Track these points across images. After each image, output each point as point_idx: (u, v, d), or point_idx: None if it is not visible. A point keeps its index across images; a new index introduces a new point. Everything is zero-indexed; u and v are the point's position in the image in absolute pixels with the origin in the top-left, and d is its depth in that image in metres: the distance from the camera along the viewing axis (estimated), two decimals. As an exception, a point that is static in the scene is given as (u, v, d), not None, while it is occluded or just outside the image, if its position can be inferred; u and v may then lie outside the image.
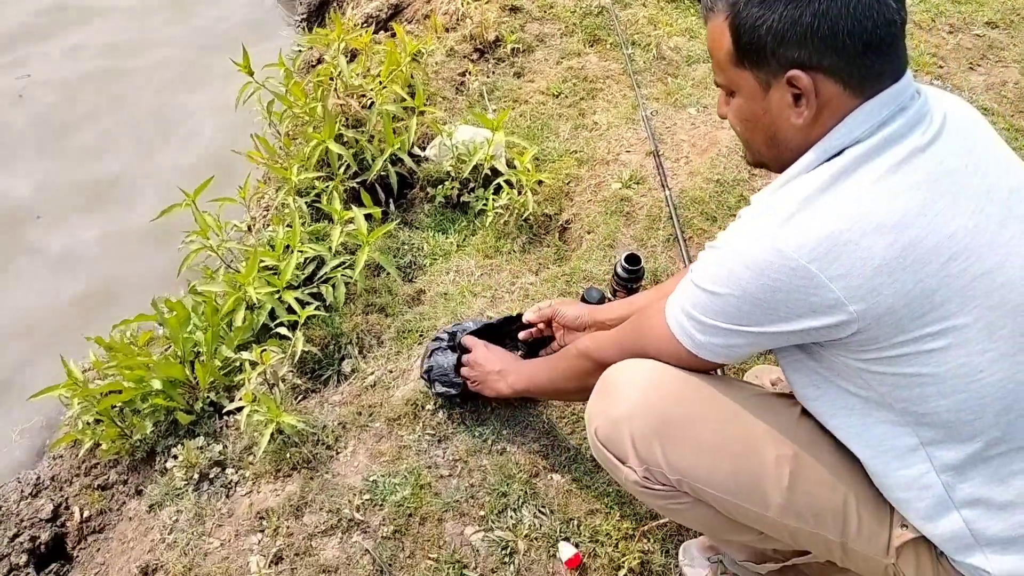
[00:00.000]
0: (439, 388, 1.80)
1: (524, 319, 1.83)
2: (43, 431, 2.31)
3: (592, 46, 3.10)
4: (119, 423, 1.95)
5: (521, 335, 1.86)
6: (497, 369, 1.70)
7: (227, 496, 1.79)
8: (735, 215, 2.32)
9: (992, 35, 3.21)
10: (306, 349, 1.95)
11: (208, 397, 1.99)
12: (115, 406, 1.94)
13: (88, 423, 1.99)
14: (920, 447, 1.06)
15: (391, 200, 2.55)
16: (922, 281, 0.96)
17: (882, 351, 1.02)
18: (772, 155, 1.13)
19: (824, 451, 1.19)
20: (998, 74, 2.97)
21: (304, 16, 4.00)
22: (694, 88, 2.86)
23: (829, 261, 0.96)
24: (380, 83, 2.52)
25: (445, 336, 1.85)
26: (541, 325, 1.83)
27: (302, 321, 1.94)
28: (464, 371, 1.76)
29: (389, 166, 2.46)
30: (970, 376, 1.00)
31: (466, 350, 1.80)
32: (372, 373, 2.01)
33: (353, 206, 2.43)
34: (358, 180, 2.48)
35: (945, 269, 0.97)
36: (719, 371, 1.84)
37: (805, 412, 1.25)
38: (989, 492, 1.05)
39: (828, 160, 1.03)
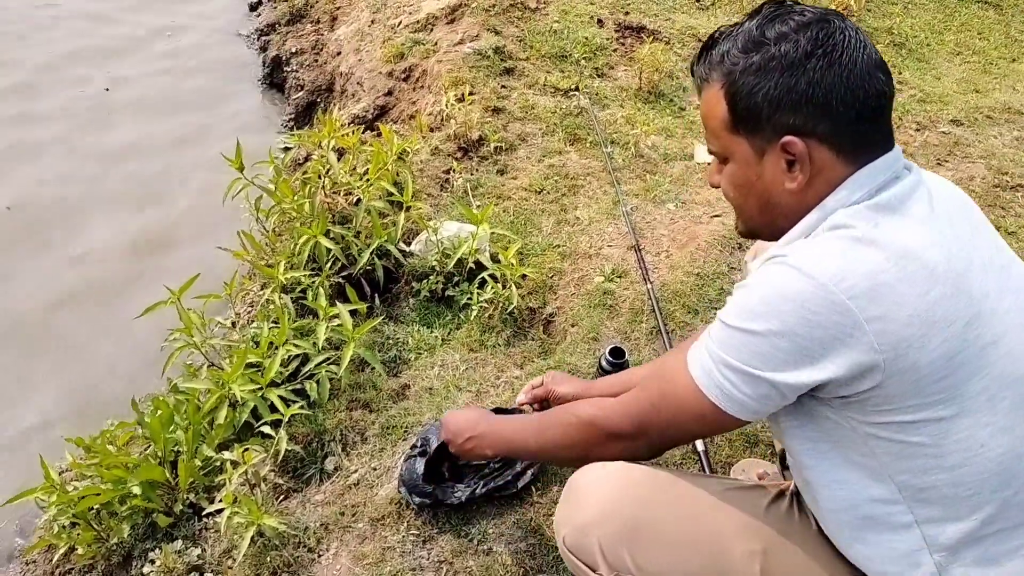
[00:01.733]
0: (411, 498, 1.78)
1: (516, 402, 1.79)
2: (15, 535, 2.25)
3: (572, 144, 3.20)
4: (96, 526, 1.90)
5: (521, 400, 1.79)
6: (471, 435, 1.53)
7: (205, 603, 1.74)
8: (716, 307, 2.37)
9: (957, 132, 3.35)
10: (289, 448, 1.92)
11: (188, 498, 1.95)
12: (92, 508, 1.90)
13: (64, 526, 1.94)
14: (915, 525, 1.06)
15: (376, 294, 2.57)
16: (947, 341, 0.96)
17: (895, 414, 1.01)
18: (765, 221, 1.13)
19: (794, 540, 1.19)
20: (965, 169, 3.09)
21: (292, 116, 4.11)
22: (672, 184, 2.95)
23: (867, 300, 0.95)
24: (367, 180, 2.58)
25: (419, 442, 1.84)
26: (531, 408, 1.78)
27: (285, 420, 1.92)
28: (451, 448, 1.61)
29: (376, 259, 2.49)
30: (972, 450, 1.01)
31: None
32: (355, 471, 1.99)
33: (338, 302, 2.45)
34: (343, 275, 2.50)
35: (964, 333, 0.97)
36: (701, 461, 1.84)
37: (774, 502, 1.26)
38: (981, 572, 1.04)
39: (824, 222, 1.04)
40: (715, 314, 2.32)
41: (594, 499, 1.22)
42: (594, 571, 1.23)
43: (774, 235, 1.14)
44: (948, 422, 1.00)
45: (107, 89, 4.35)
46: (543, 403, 1.77)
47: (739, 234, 1.24)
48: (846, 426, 1.06)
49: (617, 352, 2.03)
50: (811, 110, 1.01)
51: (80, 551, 1.87)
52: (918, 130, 3.38)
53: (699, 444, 1.95)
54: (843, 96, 1.01)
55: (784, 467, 1.60)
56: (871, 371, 0.97)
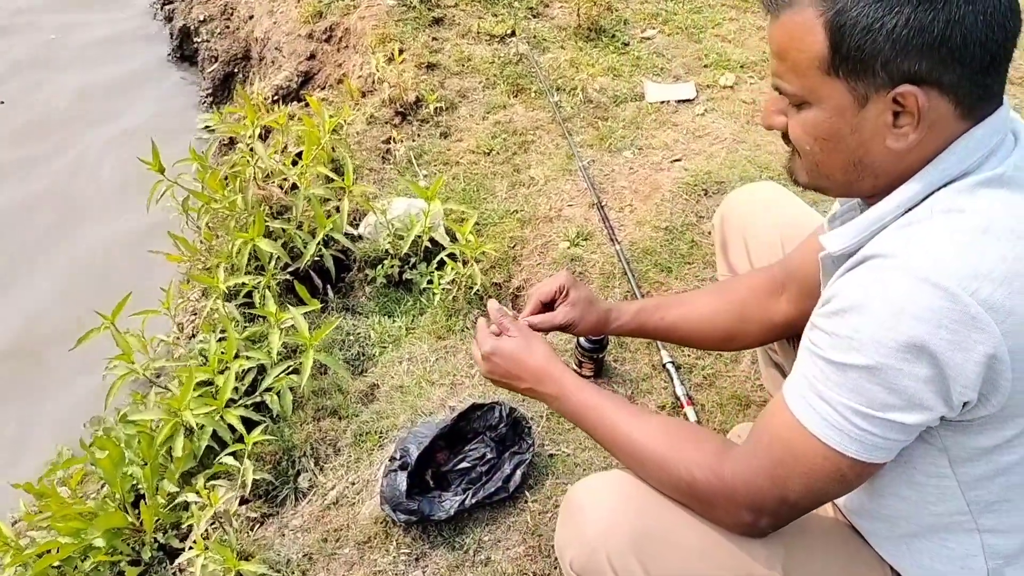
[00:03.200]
0: (396, 516, 1.66)
1: (523, 320, 1.32)
2: (-29, 595, 2.08)
3: (516, 96, 3.01)
4: (59, 583, 1.75)
5: (534, 320, 1.33)
6: (527, 387, 1.22)
7: (189, 657, 1.61)
8: (689, 262, 2.26)
9: None
10: (257, 477, 1.78)
11: (156, 540, 1.80)
12: (53, 565, 1.74)
13: (24, 585, 1.78)
14: (976, 532, 0.97)
15: (329, 286, 2.40)
16: None
17: (999, 432, 0.88)
18: (846, 180, 0.94)
19: (815, 539, 1.10)
20: None
21: (209, 91, 3.83)
22: (626, 129, 2.80)
23: (1004, 313, 0.79)
24: (303, 166, 2.38)
25: (398, 454, 1.71)
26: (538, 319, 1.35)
27: (248, 449, 1.77)
28: (481, 368, 1.30)
29: (323, 250, 2.31)
30: None
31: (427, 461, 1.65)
32: (332, 487, 1.85)
33: (289, 301, 2.28)
34: (290, 271, 2.32)
35: None
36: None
37: None
38: None
39: (930, 196, 0.87)
40: (688, 270, 2.23)
41: (596, 513, 1.09)
42: None
43: (850, 195, 0.99)
44: None
45: (1, 102, 3.96)
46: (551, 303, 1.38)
47: (794, 182, 1.02)
48: (933, 446, 0.93)
49: (595, 328, 1.90)
50: (943, 55, 0.81)
51: (45, 616, 1.72)
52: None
53: (691, 415, 1.87)
54: (983, 38, 0.81)
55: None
56: (996, 393, 0.83)
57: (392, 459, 1.74)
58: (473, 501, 1.67)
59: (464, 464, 1.76)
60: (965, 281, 0.79)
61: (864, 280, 0.85)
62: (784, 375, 1.52)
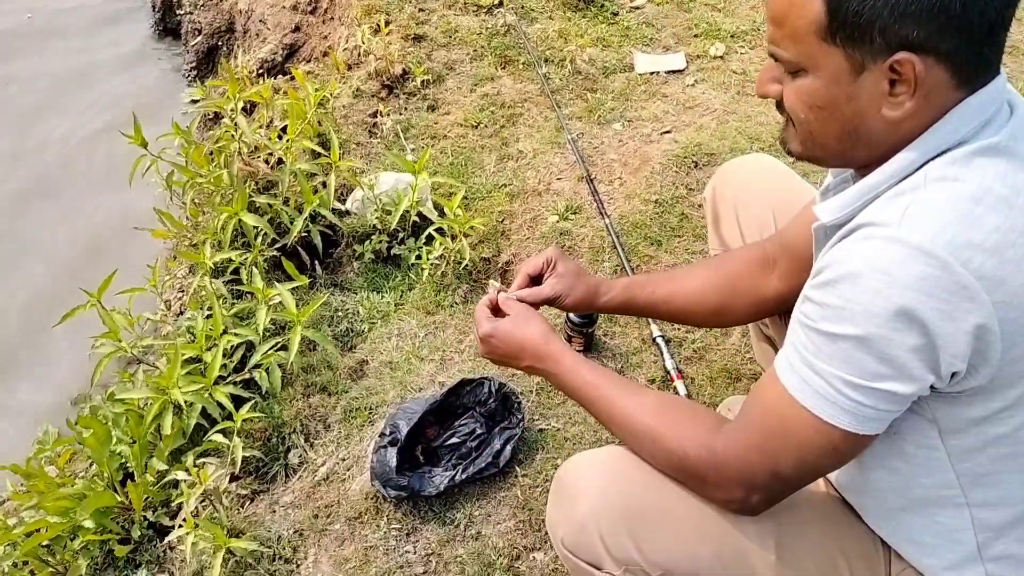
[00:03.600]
0: (386, 492, 1.66)
1: (512, 294, 1.30)
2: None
3: (504, 68, 2.97)
4: (50, 562, 1.74)
5: (521, 294, 1.30)
6: (526, 364, 1.22)
7: (181, 634, 1.62)
8: (679, 235, 2.25)
9: None
10: (247, 454, 1.77)
11: (145, 518, 1.80)
12: (43, 544, 1.74)
13: (16, 564, 1.78)
14: (966, 507, 0.97)
15: (317, 262, 2.38)
16: None
17: (987, 403, 0.88)
18: (841, 150, 0.93)
19: (807, 514, 1.10)
20: None
21: (193, 64, 3.77)
22: (615, 101, 2.77)
23: (996, 283, 0.79)
24: (288, 140, 2.35)
25: (388, 430, 1.71)
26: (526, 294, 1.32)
27: (237, 427, 1.76)
28: (480, 348, 1.29)
29: (310, 225, 2.29)
30: None
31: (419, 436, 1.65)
32: (323, 464, 1.85)
33: (276, 277, 2.26)
34: (277, 247, 2.30)
35: None
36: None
37: None
38: (1022, 549, 0.97)
39: (922, 166, 0.86)
40: (678, 243, 2.22)
41: (586, 490, 1.08)
42: (600, 568, 1.12)
43: (844, 165, 0.97)
44: None
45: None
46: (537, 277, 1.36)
47: (788, 154, 1.00)
48: (923, 417, 0.92)
49: (584, 302, 1.89)
50: (943, 22, 0.79)
51: (35, 594, 1.72)
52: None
53: (681, 389, 1.87)
54: (981, 6, 0.79)
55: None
56: (986, 364, 0.83)
57: (382, 435, 1.74)
58: (463, 476, 1.67)
59: (454, 440, 1.76)
60: (957, 250, 0.78)
61: (856, 249, 0.84)
62: (776, 349, 1.51)
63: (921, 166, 0.86)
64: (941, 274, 0.78)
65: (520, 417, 1.77)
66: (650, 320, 1.99)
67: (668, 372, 1.90)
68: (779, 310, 1.35)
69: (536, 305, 1.33)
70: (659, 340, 1.96)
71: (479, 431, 1.76)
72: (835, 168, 1.04)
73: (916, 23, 0.80)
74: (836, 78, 0.87)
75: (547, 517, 1.17)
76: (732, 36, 3.10)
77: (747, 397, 1.02)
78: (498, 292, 1.29)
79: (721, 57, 2.97)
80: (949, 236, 0.79)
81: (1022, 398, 0.87)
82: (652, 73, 2.89)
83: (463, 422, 1.78)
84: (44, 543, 1.73)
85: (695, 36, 3.11)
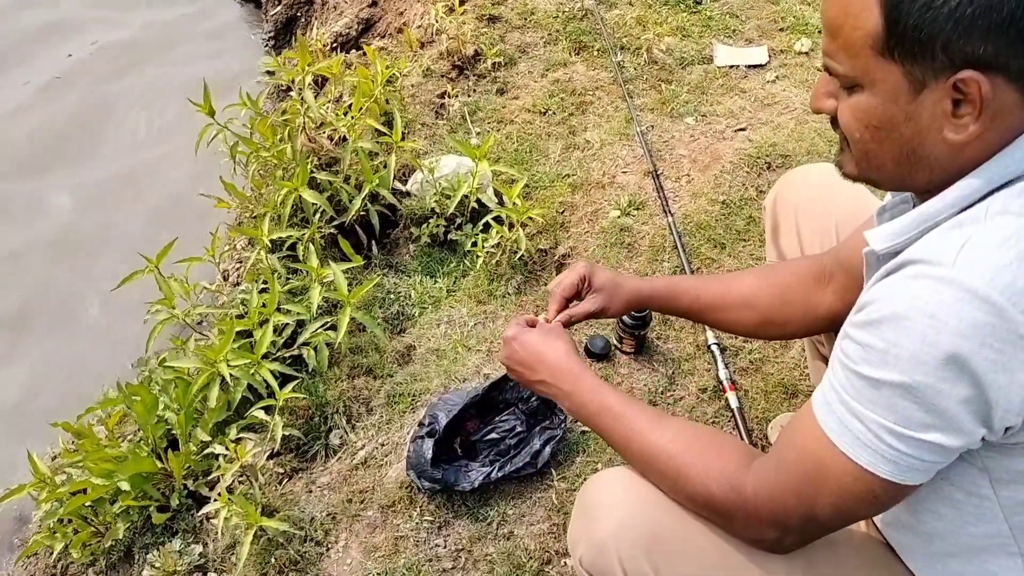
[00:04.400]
0: (420, 483, 1.64)
1: (547, 317, 1.27)
2: (15, 523, 2.15)
3: (578, 54, 2.90)
4: (91, 521, 1.78)
5: (563, 317, 1.27)
6: (540, 379, 1.17)
7: (210, 605, 1.63)
8: (745, 239, 2.16)
9: None
10: (287, 434, 1.77)
11: (185, 487, 1.82)
12: (86, 504, 1.78)
13: (60, 521, 1.82)
14: (1019, 556, 0.89)
15: (373, 241, 2.36)
16: None
17: None
18: (898, 173, 0.85)
19: (842, 554, 1.03)
20: None
21: (271, 34, 3.80)
22: (690, 94, 2.67)
23: None
24: (352, 117, 2.33)
25: (427, 420, 1.68)
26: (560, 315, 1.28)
27: (280, 405, 1.76)
28: (503, 352, 1.25)
29: (369, 205, 2.28)
30: None
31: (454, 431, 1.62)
32: (362, 447, 1.84)
33: (332, 255, 2.26)
34: (335, 224, 2.29)
35: None
36: (735, 418, 1.66)
37: None
38: None
39: (988, 195, 0.78)
40: (743, 248, 2.13)
41: (610, 511, 1.04)
42: None
43: (902, 189, 0.89)
44: None
45: (69, 55, 3.97)
46: (574, 295, 1.31)
47: (843, 176, 0.93)
48: (973, 466, 0.85)
49: (639, 304, 1.83)
50: (1013, 38, 0.72)
51: (75, 554, 1.76)
52: None
53: (733, 401, 1.79)
54: None
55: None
56: None
57: (420, 425, 1.71)
58: (499, 475, 1.63)
59: (493, 435, 1.73)
60: (1016, 295, 0.71)
61: (904, 288, 0.77)
62: None
63: (985, 196, 0.78)
64: (996, 321, 0.71)
65: (562, 418, 1.72)
66: (707, 327, 1.92)
67: (721, 382, 1.82)
68: (832, 328, 1.27)
69: (582, 321, 1.29)
70: (714, 348, 1.88)
71: (519, 429, 1.72)
72: (893, 191, 0.96)
73: (984, 38, 0.72)
74: (894, 96, 0.79)
75: (569, 532, 1.13)
76: (820, 31, 2.95)
77: (782, 433, 0.95)
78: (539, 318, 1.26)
79: (806, 53, 2.84)
80: (1008, 279, 0.71)
81: None
82: (731, 67, 2.78)
83: (504, 418, 1.75)
84: (87, 504, 1.77)
85: (780, 30, 2.97)
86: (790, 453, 0.89)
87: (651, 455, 1.02)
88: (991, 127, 0.76)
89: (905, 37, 0.75)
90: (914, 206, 0.88)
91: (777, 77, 2.74)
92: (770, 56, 2.83)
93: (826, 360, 1.48)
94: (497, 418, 1.76)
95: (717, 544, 1.00)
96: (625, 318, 1.84)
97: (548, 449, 1.67)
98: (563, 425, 1.71)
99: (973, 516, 0.88)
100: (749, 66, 2.79)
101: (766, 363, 1.90)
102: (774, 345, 1.93)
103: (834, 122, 0.88)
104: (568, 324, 1.26)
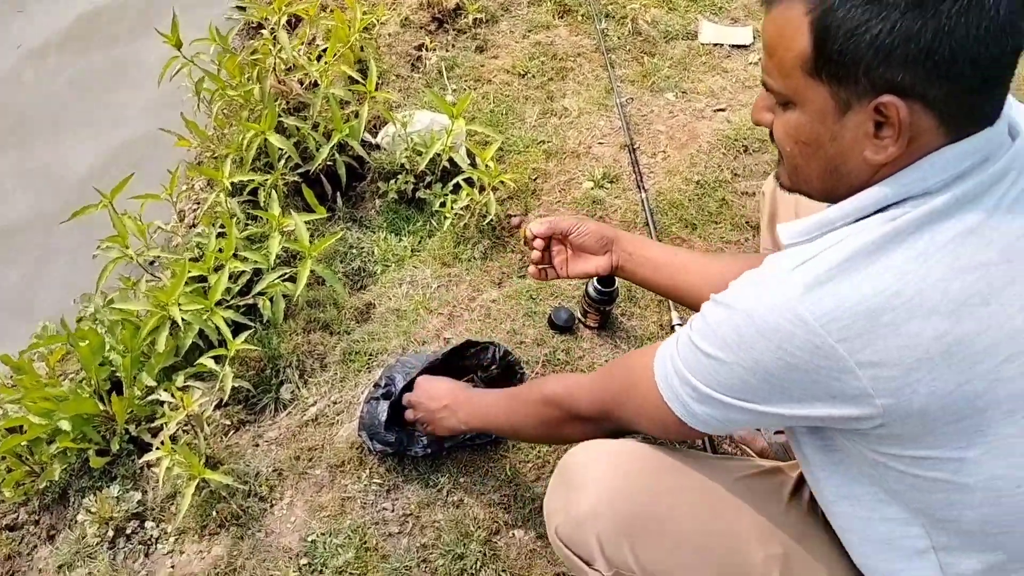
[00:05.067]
0: (372, 444, 1.61)
1: (530, 229, 1.44)
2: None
3: (562, 17, 2.83)
4: (27, 460, 1.72)
5: (530, 231, 1.43)
6: (444, 404, 1.46)
7: (146, 555, 1.59)
8: (717, 222, 2.14)
9: None
10: (237, 385, 1.72)
11: (127, 431, 1.76)
12: (22, 444, 1.71)
13: (-9, 457, 1.76)
14: (931, 551, 0.91)
15: (338, 193, 2.29)
16: (968, 383, 0.79)
17: (905, 449, 0.85)
18: (824, 187, 0.91)
19: (815, 546, 1.05)
20: None
21: (246, -32, 3.63)
22: (672, 69, 2.63)
23: (862, 344, 0.78)
24: (326, 62, 2.25)
25: (383, 381, 1.64)
26: (539, 246, 1.44)
27: (230, 355, 1.70)
28: (408, 414, 1.56)
29: (337, 155, 2.20)
30: (1005, 490, 0.84)
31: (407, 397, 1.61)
32: (313, 404, 1.80)
33: (295, 203, 2.19)
34: (299, 172, 2.22)
35: (997, 371, 0.79)
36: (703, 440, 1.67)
37: (794, 495, 1.11)
38: None
39: (883, 210, 0.84)
40: (714, 230, 2.11)
41: (592, 487, 1.06)
42: (590, 565, 1.08)
43: (828, 200, 0.92)
44: (974, 462, 0.83)
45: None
46: (547, 245, 1.46)
47: (780, 186, 1.00)
48: (854, 450, 0.90)
49: (606, 279, 1.81)
50: (929, 68, 0.76)
51: (8, 492, 1.69)
52: None
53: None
54: (975, 54, 0.75)
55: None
56: (867, 417, 0.82)
57: (376, 386, 1.67)
58: (451, 443, 1.61)
59: (447, 434, 1.69)
60: (826, 312, 0.79)
61: (751, 279, 0.88)
62: None
63: (880, 210, 0.84)
64: (797, 331, 0.80)
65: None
66: (672, 306, 1.90)
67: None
68: None
69: (548, 236, 1.44)
70: (677, 327, 1.87)
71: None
72: (824, 202, 0.99)
73: (902, 66, 0.77)
74: (821, 115, 0.85)
75: (546, 499, 1.15)
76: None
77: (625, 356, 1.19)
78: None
79: (791, 38, 2.80)
80: (822, 295, 0.80)
81: (947, 447, 0.83)
82: (715, 45, 2.74)
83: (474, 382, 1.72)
84: (24, 443, 1.71)
85: (767, 11, 2.93)
86: (624, 367, 1.11)
87: (516, 420, 1.30)
88: (908, 150, 0.82)
89: (831, 60, 0.80)
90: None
91: (760, 59, 2.71)
92: (754, 37, 2.80)
93: None
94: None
95: (698, 532, 1.03)
96: (591, 292, 1.82)
97: (504, 419, 1.65)
98: (521, 396, 1.69)
99: (884, 494, 0.92)
100: (733, 45, 2.75)
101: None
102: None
103: (772, 135, 0.94)
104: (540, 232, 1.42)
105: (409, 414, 1.56)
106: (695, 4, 2.93)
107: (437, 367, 1.70)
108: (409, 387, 1.66)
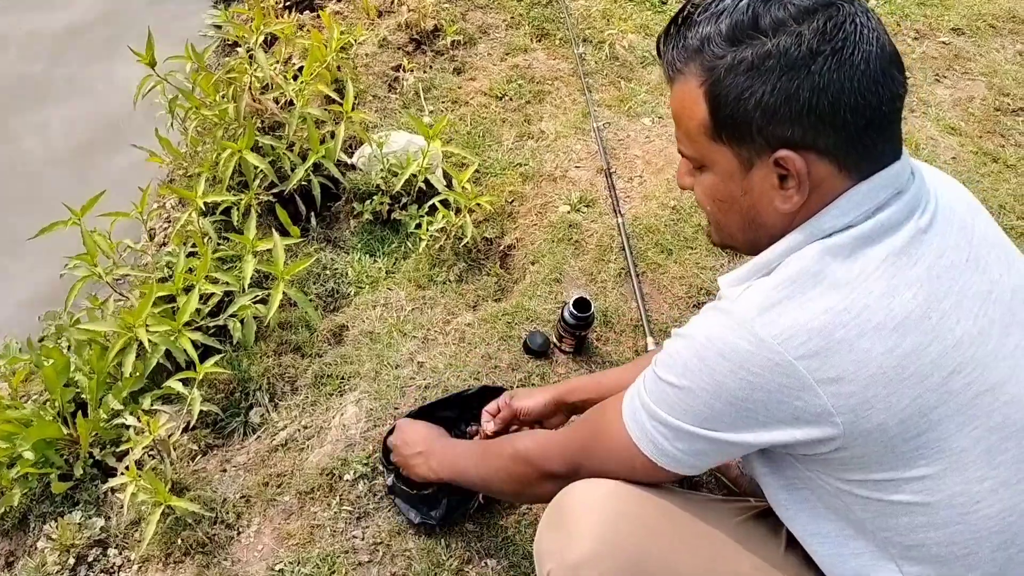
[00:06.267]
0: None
1: (483, 430, 1.51)
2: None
3: (540, 40, 2.84)
4: (-16, 484, 1.67)
5: (481, 433, 1.52)
6: (417, 451, 1.45)
7: (108, 584, 1.54)
8: (692, 247, 2.15)
9: (958, 43, 3.07)
10: (205, 409, 1.69)
11: (91, 455, 1.72)
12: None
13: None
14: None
15: (313, 213, 2.27)
16: (920, 397, 0.83)
17: (868, 473, 0.87)
18: (747, 239, 0.98)
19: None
20: (964, 88, 2.84)
21: (222, -15, 3.62)
22: (649, 94, 2.65)
23: (820, 361, 0.82)
24: (302, 82, 2.23)
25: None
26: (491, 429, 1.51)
27: (199, 378, 1.67)
28: (392, 456, 1.54)
29: (312, 175, 2.18)
30: (966, 507, 0.86)
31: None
32: (283, 428, 1.77)
33: (268, 228, 2.16)
34: (274, 191, 2.20)
35: (946, 384, 0.84)
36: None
37: (791, 539, 1.10)
38: None
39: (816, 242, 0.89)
40: (689, 255, 2.12)
41: (588, 530, 1.02)
42: None
43: (755, 252, 0.96)
44: (933, 479, 0.86)
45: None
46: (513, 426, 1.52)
47: (712, 244, 1.11)
48: (816, 480, 0.93)
49: (583, 304, 1.80)
50: (813, 121, 0.84)
51: (-36, 518, 1.64)
52: (916, 39, 3.09)
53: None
54: (853, 104, 0.83)
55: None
56: (829, 438, 0.86)
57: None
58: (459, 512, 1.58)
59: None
60: (782, 331, 0.83)
61: (704, 314, 0.93)
62: None
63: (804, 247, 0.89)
64: (757, 350, 0.84)
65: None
66: (648, 331, 1.90)
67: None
68: None
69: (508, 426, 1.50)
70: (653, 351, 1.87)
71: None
72: (750, 254, 1.04)
73: (789, 123, 0.85)
74: (729, 174, 0.92)
75: (537, 541, 1.11)
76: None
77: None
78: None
79: (766, 65, 2.84)
80: (776, 316, 0.84)
81: (907, 467, 0.86)
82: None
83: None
84: (-18, 465, 1.66)
85: (743, 38, 2.97)
86: (594, 415, 1.11)
87: (486, 474, 1.28)
88: (814, 195, 0.88)
89: (727, 124, 0.88)
90: None
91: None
92: (730, 64, 2.82)
93: None
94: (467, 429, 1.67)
95: (702, 571, 1.01)
96: (567, 317, 1.81)
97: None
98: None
99: (851, 528, 0.94)
100: (709, 72, 2.77)
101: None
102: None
103: (701, 204, 1.02)
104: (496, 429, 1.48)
105: (393, 456, 1.54)
106: (672, 30, 2.95)
107: (459, 403, 1.66)
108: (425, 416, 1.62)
